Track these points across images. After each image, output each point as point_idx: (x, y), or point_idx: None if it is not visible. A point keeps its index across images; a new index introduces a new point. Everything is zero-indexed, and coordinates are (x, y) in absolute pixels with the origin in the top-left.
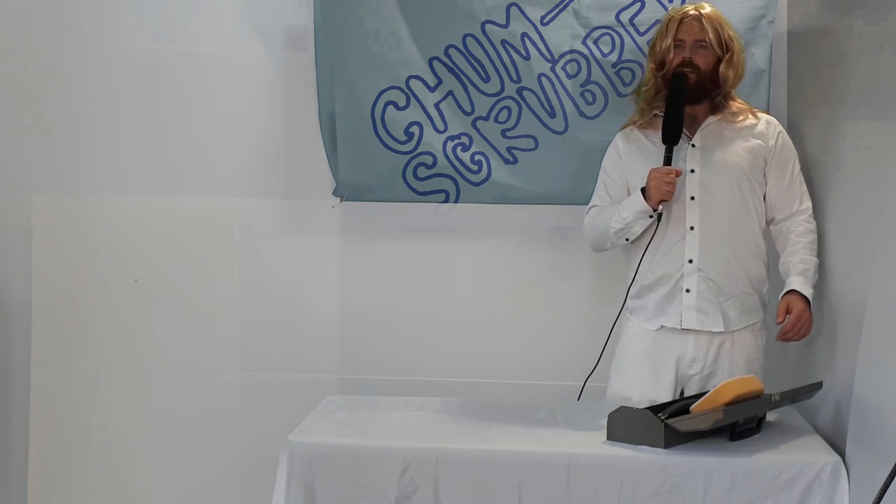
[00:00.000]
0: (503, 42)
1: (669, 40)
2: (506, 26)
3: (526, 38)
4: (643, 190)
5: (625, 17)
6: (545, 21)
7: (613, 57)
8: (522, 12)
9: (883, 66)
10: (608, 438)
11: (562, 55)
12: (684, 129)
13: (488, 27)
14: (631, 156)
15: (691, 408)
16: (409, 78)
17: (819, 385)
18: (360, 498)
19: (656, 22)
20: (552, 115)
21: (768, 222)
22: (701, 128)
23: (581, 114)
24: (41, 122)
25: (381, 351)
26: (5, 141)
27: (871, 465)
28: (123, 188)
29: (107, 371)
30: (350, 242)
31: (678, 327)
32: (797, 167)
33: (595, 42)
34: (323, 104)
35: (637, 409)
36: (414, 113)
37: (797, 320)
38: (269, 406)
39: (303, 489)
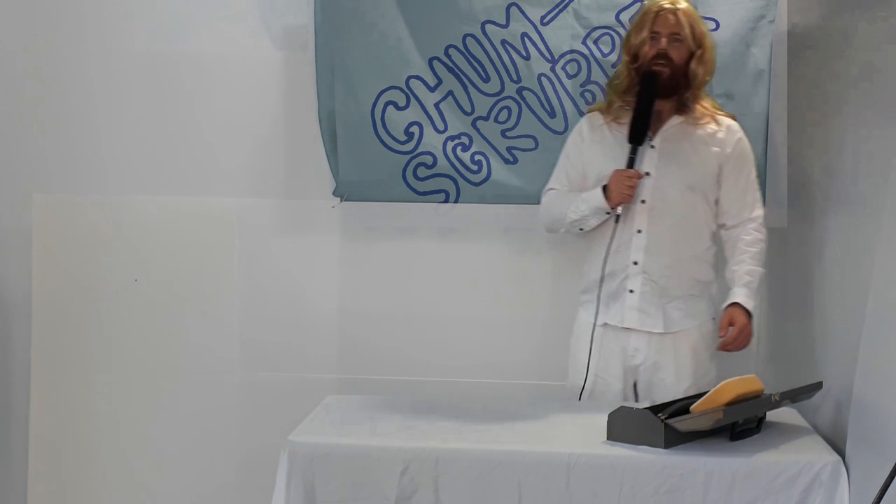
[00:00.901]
0: (503, 42)
1: (645, 33)
2: (506, 26)
3: (526, 38)
4: (605, 188)
5: (625, 17)
6: (545, 21)
7: (613, 57)
8: (522, 12)
9: (883, 65)
10: (608, 438)
11: (562, 55)
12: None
13: (488, 27)
14: (593, 144)
15: (691, 408)
16: (409, 78)
17: (819, 385)
18: (360, 498)
19: None
20: (552, 115)
21: (719, 226)
22: (663, 128)
23: (581, 114)
24: (41, 122)
25: (380, 351)
26: (5, 141)
27: (871, 465)
28: (124, 188)
29: (107, 371)
30: (350, 242)
31: (620, 325)
32: (752, 174)
33: (595, 42)
34: (323, 104)
35: (637, 409)
36: (414, 113)
37: (738, 333)
38: (269, 406)
39: (303, 489)
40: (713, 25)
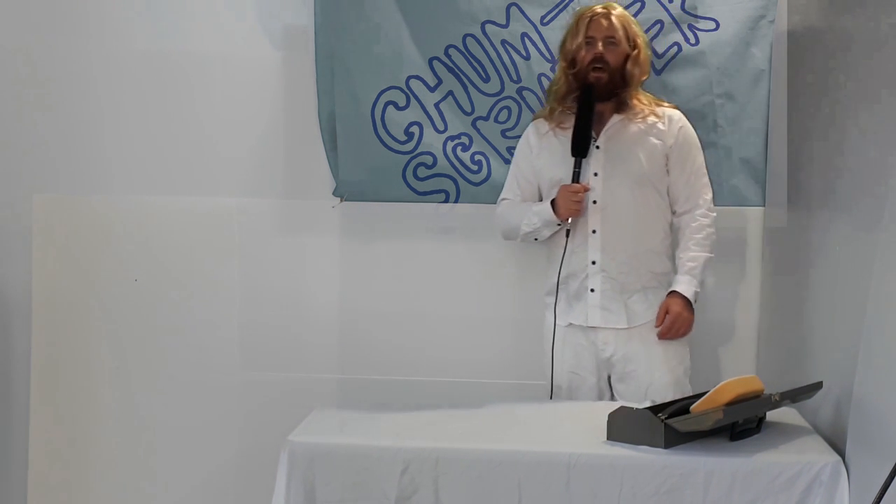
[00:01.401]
0: (503, 42)
1: (580, 38)
2: (506, 26)
3: (526, 38)
4: (553, 202)
5: None
6: (545, 21)
7: None
8: (522, 12)
9: (883, 65)
10: (608, 438)
11: None
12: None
13: (488, 27)
14: (542, 152)
15: (691, 408)
16: (409, 78)
17: (819, 385)
18: (360, 498)
19: (657, 22)
20: None
21: (672, 213)
22: (605, 128)
23: None
24: (41, 122)
25: (380, 351)
26: (5, 141)
27: (871, 465)
28: (124, 188)
29: (107, 371)
30: (350, 242)
31: (585, 325)
32: (698, 160)
33: None
34: (323, 104)
35: (637, 409)
36: (414, 113)
37: (673, 323)
38: (269, 406)
39: (303, 489)
40: (713, 25)
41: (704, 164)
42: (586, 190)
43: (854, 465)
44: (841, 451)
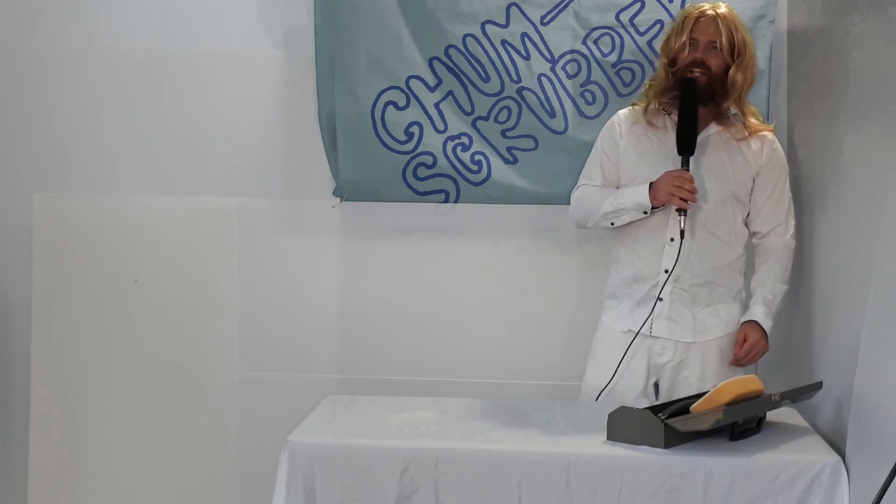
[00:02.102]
0: (503, 42)
1: (684, 38)
2: (506, 26)
3: (526, 38)
4: (651, 185)
5: (625, 17)
6: (545, 21)
7: (613, 57)
8: (522, 12)
9: (883, 65)
10: (608, 438)
11: (562, 55)
12: None
13: (488, 27)
14: (629, 146)
15: (691, 408)
16: (409, 78)
17: (819, 385)
18: (360, 498)
19: (657, 22)
20: (552, 115)
21: (752, 234)
22: (700, 137)
23: (581, 114)
24: (41, 122)
25: (380, 351)
26: (5, 141)
27: (871, 465)
28: (124, 188)
29: (107, 371)
30: (350, 242)
31: (648, 333)
32: (786, 186)
33: (595, 42)
34: (323, 104)
35: (637, 409)
36: (414, 113)
37: (751, 349)
38: (269, 406)
39: (303, 489)
40: None
41: (790, 191)
42: (692, 180)
43: (854, 465)
44: (841, 451)
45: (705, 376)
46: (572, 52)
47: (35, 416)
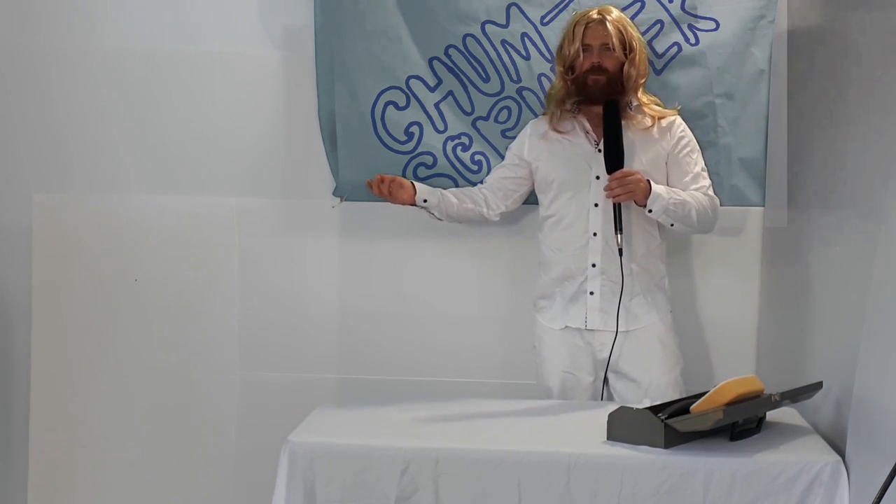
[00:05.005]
0: (503, 42)
1: (577, 44)
2: (506, 26)
3: (526, 38)
4: None
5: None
6: (545, 21)
7: None
8: (522, 12)
9: (883, 66)
10: (608, 438)
11: None
12: (591, 132)
13: (488, 27)
14: (541, 153)
15: (691, 408)
16: (409, 78)
17: (819, 385)
18: (360, 498)
19: (656, 22)
20: None
21: None
22: None
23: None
24: (41, 121)
25: (380, 351)
26: (5, 141)
27: (871, 465)
28: (123, 188)
29: (107, 371)
30: (350, 242)
31: (583, 328)
32: (699, 162)
33: None
34: (323, 104)
35: (637, 409)
36: (414, 113)
37: (626, 175)
38: (269, 406)
39: (303, 489)
40: (713, 25)
41: (705, 168)
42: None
43: (854, 465)
44: (841, 451)
45: (651, 366)
46: None
47: (35, 416)
